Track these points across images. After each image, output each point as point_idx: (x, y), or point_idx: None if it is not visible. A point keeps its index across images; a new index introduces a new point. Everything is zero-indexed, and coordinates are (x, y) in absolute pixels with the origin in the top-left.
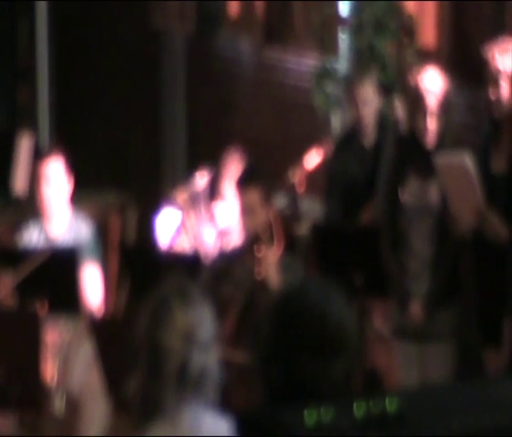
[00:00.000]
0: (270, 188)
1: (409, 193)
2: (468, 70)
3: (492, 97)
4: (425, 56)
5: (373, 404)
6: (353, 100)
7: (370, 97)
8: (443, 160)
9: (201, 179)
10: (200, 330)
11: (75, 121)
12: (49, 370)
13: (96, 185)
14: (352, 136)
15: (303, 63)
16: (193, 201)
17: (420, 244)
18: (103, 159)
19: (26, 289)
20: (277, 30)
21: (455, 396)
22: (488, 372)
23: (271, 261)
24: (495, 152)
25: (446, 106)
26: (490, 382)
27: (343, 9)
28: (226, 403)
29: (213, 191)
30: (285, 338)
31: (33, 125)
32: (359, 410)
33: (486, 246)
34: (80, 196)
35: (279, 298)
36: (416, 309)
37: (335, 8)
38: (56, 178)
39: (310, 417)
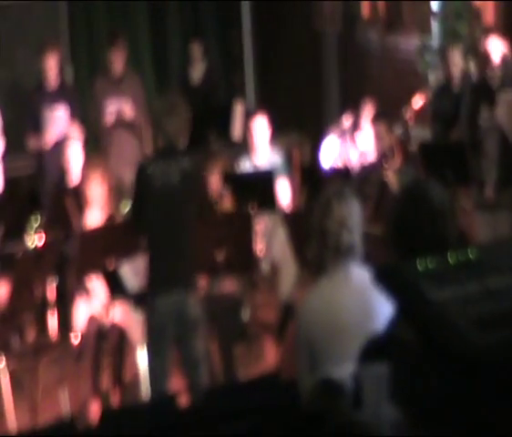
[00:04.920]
0: (392, 122)
1: (482, 118)
2: None
3: None
4: (489, 30)
5: (461, 254)
6: (447, 63)
7: (457, 61)
8: (504, 95)
9: (348, 120)
10: (350, 218)
11: (271, 91)
12: (259, 247)
13: (284, 129)
14: (445, 85)
15: (410, 43)
16: (343, 134)
17: (490, 150)
18: (289, 112)
19: (243, 197)
20: (393, 23)
21: None
22: None
23: (393, 170)
24: None
25: (505, 61)
26: None
27: (435, 5)
28: (368, 262)
29: (356, 126)
30: (409, 215)
31: (243, 96)
32: (452, 258)
33: None
34: (275, 136)
35: (403, 190)
36: (489, 191)
37: (430, 5)
38: (262, 129)
39: (421, 265)
